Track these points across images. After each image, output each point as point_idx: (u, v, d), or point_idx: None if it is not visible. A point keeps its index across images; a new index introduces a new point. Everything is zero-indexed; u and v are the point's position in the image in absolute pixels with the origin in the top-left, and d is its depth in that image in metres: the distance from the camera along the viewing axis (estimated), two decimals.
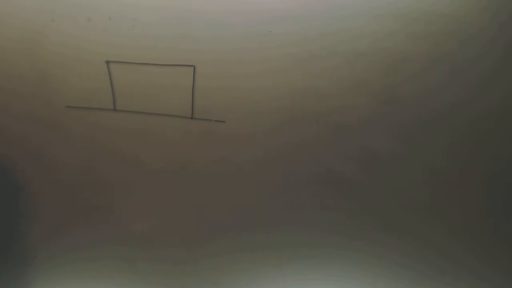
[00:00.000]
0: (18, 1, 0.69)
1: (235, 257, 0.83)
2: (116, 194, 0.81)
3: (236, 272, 0.84)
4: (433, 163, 0.69)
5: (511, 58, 0.61)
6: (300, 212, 0.77)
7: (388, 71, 0.64)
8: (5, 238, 0.85)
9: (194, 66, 0.69)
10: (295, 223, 0.78)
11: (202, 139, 0.75)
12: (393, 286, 0.79)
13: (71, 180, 0.82)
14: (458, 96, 0.64)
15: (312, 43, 0.64)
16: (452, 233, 0.73)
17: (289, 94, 0.69)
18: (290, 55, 0.66)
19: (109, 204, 0.83)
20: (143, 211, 0.78)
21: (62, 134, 0.78)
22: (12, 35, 0.71)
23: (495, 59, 0.61)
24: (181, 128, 0.75)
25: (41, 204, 0.85)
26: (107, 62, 0.71)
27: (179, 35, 0.67)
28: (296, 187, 0.75)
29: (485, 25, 0.59)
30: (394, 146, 0.69)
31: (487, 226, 0.72)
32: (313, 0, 0.62)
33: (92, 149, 0.78)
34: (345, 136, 0.70)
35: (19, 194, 0.83)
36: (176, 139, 0.76)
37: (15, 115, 0.78)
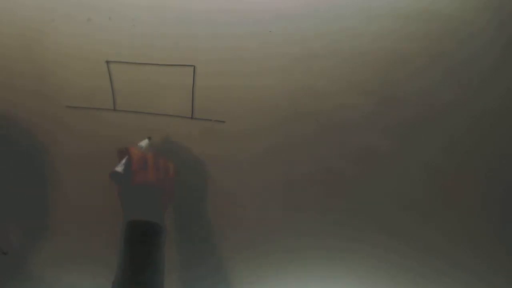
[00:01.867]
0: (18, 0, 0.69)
1: (235, 257, 0.83)
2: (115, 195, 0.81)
3: (236, 272, 0.84)
4: (434, 163, 0.69)
5: (511, 57, 0.61)
6: (300, 212, 0.77)
7: (387, 70, 0.64)
8: (4, 238, 0.85)
9: (194, 66, 0.70)
10: (295, 223, 0.78)
11: (202, 139, 0.75)
12: (392, 287, 0.79)
13: (71, 180, 0.82)
14: (458, 96, 0.64)
15: (311, 42, 0.64)
16: (452, 234, 0.73)
17: (289, 93, 0.69)
18: (289, 54, 0.66)
19: (109, 204, 0.83)
20: None
21: (62, 134, 0.78)
22: (12, 35, 0.71)
23: (495, 58, 0.61)
24: (181, 128, 0.75)
25: (41, 203, 0.85)
26: (107, 62, 0.71)
27: (179, 34, 0.67)
28: (296, 186, 0.75)
29: (485, 25, 0.59)
30: (394, 146, 0.69)
31: (487, 227, 0.72)
32: (313, 0, 0.62)
33: (92, 149, 0.78)
34: (344, 136, 0.70)
35: (19, 194, 0.83)
36: (176, 139, 0.76)
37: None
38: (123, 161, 0.66)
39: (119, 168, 0.64)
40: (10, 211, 0.84)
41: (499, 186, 0.69)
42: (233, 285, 0.84)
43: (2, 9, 0.69)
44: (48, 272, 0.87)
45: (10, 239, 0.86)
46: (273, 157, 0.74)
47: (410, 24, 0.61)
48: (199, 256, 0.84)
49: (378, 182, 0.72)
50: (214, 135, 0.74)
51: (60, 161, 0.81)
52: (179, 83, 0.71)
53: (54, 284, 0.87)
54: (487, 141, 0.67)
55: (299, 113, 0.70)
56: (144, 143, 0.71)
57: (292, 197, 0.76)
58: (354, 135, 0.70)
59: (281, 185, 0.76)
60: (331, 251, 0.79)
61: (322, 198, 0.76)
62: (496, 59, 0.61)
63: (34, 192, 0.83)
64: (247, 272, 0.84)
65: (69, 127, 0.77)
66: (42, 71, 0.73)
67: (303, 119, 0.70)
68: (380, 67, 0.64)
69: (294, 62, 0.66)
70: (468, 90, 0.64)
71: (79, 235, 0.86)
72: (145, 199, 0.64)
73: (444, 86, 0.64)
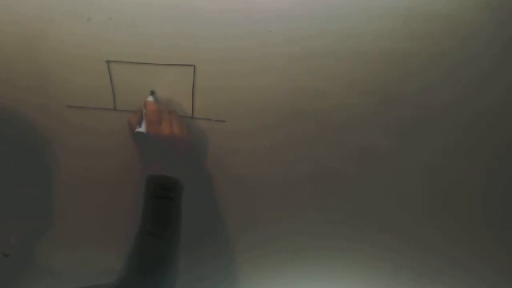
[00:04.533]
0: None
1: (235, 257, 0.83)
2: (116, 194, 0.81)
3: (236, 272, 0.84)
4: (434, 163, 0.69)
5: (510, 56, 0.61)
6: (299, 211, 0.77)
7: (387, 70, 0.64)
8: (5, 240, 0.85)
9: (194, 66, 0.70)
10: (295, 223, 0.78)
11: (202, 139, 0.75)
12: (392, 287, 0.79)
13: (72, 179, 0.82)
14: (457, 95, 0.64)
15: (311, 42, 0.64)
16: (452, 234, 0.73)
17: (289, 93, 0.69)
18: (289, 54, 0.66)
19: (109, 204, 0.83)
20: None
21: (62, 133, 0.78)
22: (12, 33, 0.71)
23: (495, 58, 0.61)
24: None
25: (41, 204, 0.85)
26: (108, 61, 0.71)
27: (180, 34, 0.67)
28: (296, 186, 0.75)
29: (484, 24, 0.59)
30: (394, 146, 0.69)
31: (487, 227, 0.72)
32: (313, 0, 0.62)
33: (92, 148, 0.78)
34: (344, 135, 0.70)
35: (19, 192, 0.83)
36: None
37: None
38: (142, 120, 0.69)
39: (141, 128, 0.67)
40: (10, 210, 0.84)
41: (499, 186, 0.69)
42: (233, 285, 0.84)
43: (3, 8, 0.69)
44: (55, 266, 0.88)
45: (12, 240, 0.86)
46: (273, 157, 0.74)
47: (410, 24, 0.61)
48: (200, 257, 0.84)
49: (378, 182, 0.72)
50: (214, 135, 0.75)
51: (60, 160, 0.81)
52: (179, 83, 0.71)
53: (64, 275, 0.87)
54: (487, 141, 0.66)
55: (299, 113, 0.70)
56: (150, 99, 0.71)
57: (292, 197, 0.76)
58: (354, 135, 0.70)
59: (281, 185, 0.76)
60: (331, 251, 0.79)
61: (322, 198, 0.76)
62: (496, 59, 0.61)
63: (34, 191, 0.83)
64: (247, 272, 0.84)
65: (69, 126, 0.77)
66: (43, 70, 0.73)
67: (303, 119, 0.70)
68: (380, 67, 0.64)
69: (294, 62, 0.66)
70: (468, 90, 0.64)
71: (80, 233, 0.86)
72: (161, 154, 0.67)
73: (444, 86, 0.64)
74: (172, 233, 0.65)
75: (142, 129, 0.67)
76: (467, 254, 0.74)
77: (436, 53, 0.62)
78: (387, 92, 0.66)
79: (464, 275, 0.75)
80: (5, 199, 0.82)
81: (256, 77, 0.68)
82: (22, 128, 0.78)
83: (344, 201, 0.75)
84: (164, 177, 0.66)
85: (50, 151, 0.80)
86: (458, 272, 0.75)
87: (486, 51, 0.61)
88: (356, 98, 0.67)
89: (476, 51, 0.61)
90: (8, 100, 0.76)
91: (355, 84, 0.66)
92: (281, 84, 0.68)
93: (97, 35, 0.69)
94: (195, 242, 0.82)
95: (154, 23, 0.67)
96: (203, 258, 0.84)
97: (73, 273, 0.88)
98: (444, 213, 0.72)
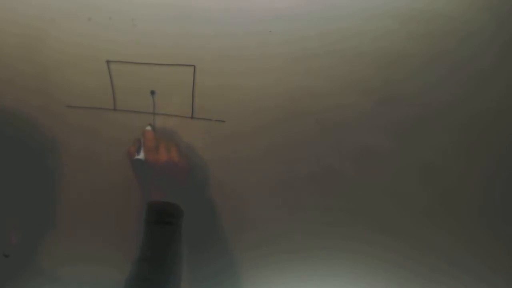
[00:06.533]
0: None
1: (235, 257, 0.83)
2: (117, 194, 0.81)
3: (236, 273, 0.84)
4: (433, 163, 0.70)
5: (510, 56, 0.61)
6: (299, 211, 0.77)
7: (386, 69, 0.64)
8: (4, 238, 0.85)
9: (194, 66, 0.70)
10: (295, 222, 0.78)
11: (202, 139, 0.75)
12: (392, 287, 0.79)
13: (72, 180, 0.82)
14: (457, 95, 0.64)
15: (311, 42, 0.64)
16: (452, 234, 0.74)
17: (289, 93, 0.69)
18: (289, 54, 0.66)
19: (110, 204, 0.83)
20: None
21: (62, 133, 0.78)
22: (12, 33, 0.71)
23: (494, 57, 0.61)
24: (181, 128, 0.75)
25: (41, 204, 0.85)
26: (107, 61, 0.71)
27: (179, 34, 0.67)
28: (296, 186, 0.75)
29: (484, 24, 0.59)
30: (394, 145, 0.69)
31: (486, 226, 0.72)
32: (313, 0, 0.62)
33: (92, 148, 0.78)
34: (344, 135, 0.70)
35: (18, 194, 0.83)
36: (176, 138, 0.76)
37: None
38: (140, 148, 0.71)
39: (140, 156, 0.70)
40: (10, 210, 0.84)
41: (498, 186, 0.69)
42: (233, 285, 0.84)
43: (3, 8, 0.69)
44: (56, 268, 0.88)
45: (12, 241, 0.86)
46: (273, 157, 0.74)
47: (409, 24, 0.61)
48: (200, 257, 0.84)
49: (378, 182, 0.73)
50: (214, 135, 0.75)
51: (61, 160, 0.81)
52: (179, 83, 0.71)
53: (62, 279, 0.88)
54: (487, 141, 0.67)
55: (299, 113, 0.70)
56: (148, 128, 0.73)
57: (291, 196, 0.76)
58: (354, 135, 0.70)
59: (280, 185, 0.76)
60: (331, 251, 0.79)
61: (322, 197, 0.76)
62: (496, 58, 0.61)
63: (35, 191, 0.83)
64: (247, 272, 0.84)
65: (69, 126, 0.77)
66: (42, 70, 0.73)
67: (302, 119, 0.70)
68: (380, 67, 0.64)
69: (294, 62, 0.66)
70: (468, 90, 0.64)
71: (80, 234, 0.86)
72: (161, 180, 0.68)
73: (443, 86, 0.64)
74: (173, 257, 0.65)
75: (141, 156, 0.69)
76: (467, 254, 0.74)
77: (436, 53, 0.62)
78: (386, 92, 0.66)
79: (464, 275, 0.75)
80: (5, 199, 0.82)
81: (256, 77, 0.68)
82: (22, 128, 0.78)
83: (344, 201, 0.75)
84: (165, 203, 0.67)
85: (50, 151, 0.80)
86: (458, 272, 0.75)
87: (486, 51, 0.61)
88: (356, 98, 0.67)
89: (476, 51, 0.61)
90: (8, 100, 0.76)
91: (354, 84, 0.66)
92: (281, 84, 0.68)
93: (97, 35, 0.69)
94: (195, 243, 0.82)
95: (154, 23, 0.67)
96: (203, 259, 0.84)
97: (73, 274, 0.88)
98: (444, 213, 0.72)
